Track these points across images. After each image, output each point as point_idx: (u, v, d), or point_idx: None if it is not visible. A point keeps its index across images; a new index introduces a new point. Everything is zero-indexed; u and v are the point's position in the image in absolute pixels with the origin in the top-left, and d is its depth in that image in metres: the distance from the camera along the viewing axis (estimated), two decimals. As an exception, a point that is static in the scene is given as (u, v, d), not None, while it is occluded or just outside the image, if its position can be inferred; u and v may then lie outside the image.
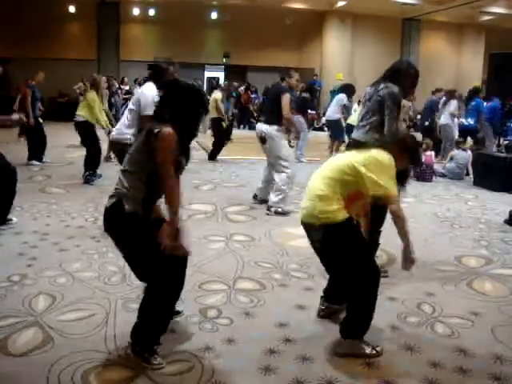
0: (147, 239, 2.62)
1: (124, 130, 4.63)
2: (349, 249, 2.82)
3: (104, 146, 7.80)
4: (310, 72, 19.69)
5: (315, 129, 17.05)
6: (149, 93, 4.37)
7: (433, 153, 8.93)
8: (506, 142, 9.03)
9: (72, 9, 18.44)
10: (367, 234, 3.14)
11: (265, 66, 19.45)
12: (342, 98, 10.42)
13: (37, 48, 17.24)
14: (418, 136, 9.93)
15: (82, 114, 7.38)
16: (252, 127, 14.51)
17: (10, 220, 5.08)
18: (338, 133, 10.54)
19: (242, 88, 17.45)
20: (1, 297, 3.41)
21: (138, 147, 2.66)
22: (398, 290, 3.74)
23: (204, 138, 10.59)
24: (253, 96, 17.62)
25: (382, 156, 2.86)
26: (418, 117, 14.14)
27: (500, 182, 7.73)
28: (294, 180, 6.05)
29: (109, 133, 7.90)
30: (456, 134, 10.25)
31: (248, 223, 5.54)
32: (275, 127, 5.88)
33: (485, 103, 10.65)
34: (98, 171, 7.39)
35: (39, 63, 15.67)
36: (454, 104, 10.14)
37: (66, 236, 4.80)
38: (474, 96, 10.33)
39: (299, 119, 9.86)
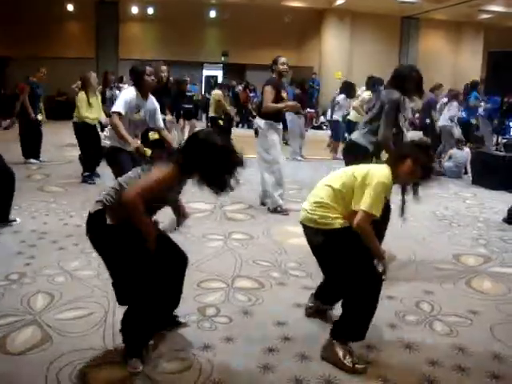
0: (123, 253, 2.57)
1: (111, 132, 4.65)
2: (347, 255, 2.77)
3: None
4: (308, 70, 19.69)
5: (314, 127, 17.06)
6: (123, 94, 4.51)
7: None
8: (505, 140, 9.02)
9: (71, 8, 18.42)
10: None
11: (263, 64, 19.34)
12: (339, 98, 10.50)
13: (36, 47, 17.21)
14: (419, 134, 9.97)
15: (74, 114, 7.46)
16: (250, 126, 14.52)
17: (14, 221, 5.05)
18: (337, 133, 10.59)
19: (240, 87, 17.43)
20: (-1, 295, 3.41)
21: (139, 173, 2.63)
22: (396, 289, 3.74)
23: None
24: (251, 95, 17.60)
25: (380, 174, 2.78)
26: (416, 115, 14.13)
27: (499, 180, 7.74)
28: (283, 176, 5.99)
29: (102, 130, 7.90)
30: (456, 134, 10.25)
31: (247, 221, 5.54)
32: (263, 121, 5.91)
33: (482, 103, 10.68)
34: (99, 171, 7.39)
35: (38, 62, 15.64)
36: (454, 107, 10.13)
37: (64, 235, 4.80)
38: (471, 90, 10.41)
39: (291, 117, 9.82)
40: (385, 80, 9.74)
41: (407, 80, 4.00)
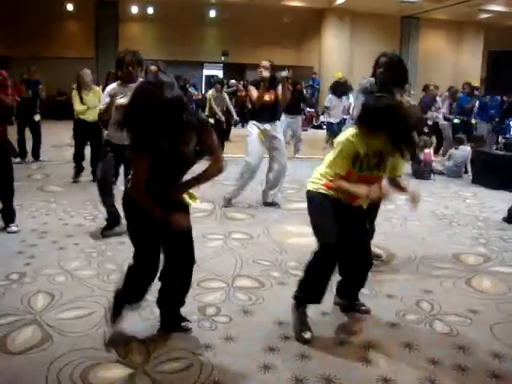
0: (133, 223, 2.75)
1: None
2: (314, 218, 3.00)
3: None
4: (308, 70, 19.69)
5: (314, 127, 17.06)
6: (106, 90, 4.70)
7: (431, 150, 8.93)
8: (505, 140, 9.02)
9: (70, 7, 18.41)
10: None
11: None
12: (327, 100, 10.61)
13: (36, 47, 17.21)
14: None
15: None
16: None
17: (14, 227, 4.84)
18: (333, 130, 10.64)
19: (234, 83, 17.29)
20: (-1, 295, 3.42)
21: None
22: (396, 288, 3.75)
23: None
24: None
25: (342, 134, 2.97)
26: None
27: (499, 179, 7.74)
28: (253, 175, 6.08)
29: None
30: (446, 131, 10.37)
31: (247, 221, 5.54)
32: (250, 121, 6.15)
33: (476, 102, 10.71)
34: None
35: (38, 62, 15.62)
36: (446, 106, 10.27)
37: (64, 234, 4.80)
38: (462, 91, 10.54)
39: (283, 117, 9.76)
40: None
41: (398, 68, 4.10)
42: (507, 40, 17.47)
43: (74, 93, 7.35)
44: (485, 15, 19.95)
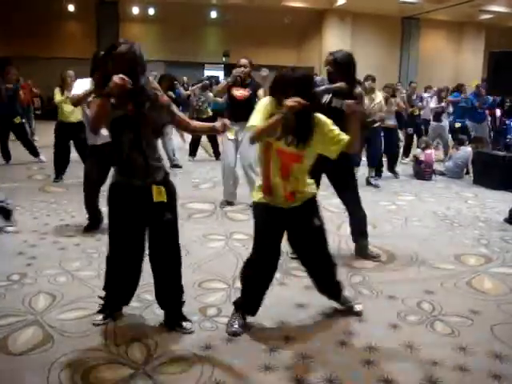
0: (117, 211, 2.93)
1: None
2: (254, 228, 3.02)
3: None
4: (309, 70, 19.68)
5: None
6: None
7: (433, 151, 8.92)
8: (506, 140, 9.01)
9: (71, 7, 18.45)
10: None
11: (264, 64, 19.41)
12: None
13: (36, 47, 17.26)
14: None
15: None
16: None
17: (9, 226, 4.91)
18: None
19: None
20: (1, 296, 3.42)
21: None
22: (397, 289, 3.74)
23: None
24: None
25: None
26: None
27: (500, 180, 7.73)
28: (231, 173, 6.11)
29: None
30: (433, 132, 10.43)
31: (247, 222, 5.51)
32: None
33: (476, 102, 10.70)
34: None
35: (38, 62, 15.66)
36: (432, 103, 10.34)
37: (65, 235, 4.80)
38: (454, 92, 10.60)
39: None
40: (385, 80, 9.81)
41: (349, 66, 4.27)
42: (508, 40, 17.47)
43: (57, 90, 7.39)
44: (486, 16, 19.96)
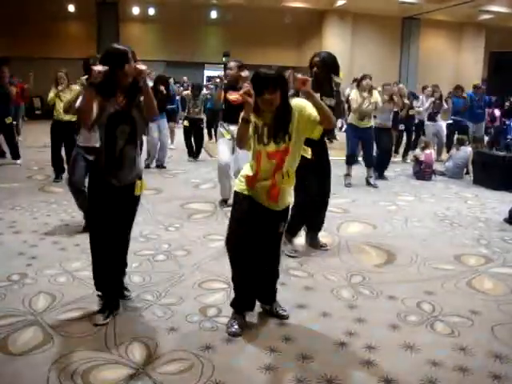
0: (97, 202, 3.09)
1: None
2: (230, 217, 3.05)
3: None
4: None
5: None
6: None
7: (432, 151, 8.93)
8: (508, 139, 9.03)
9: (71, 8, 18.45)
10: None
11: (264, 64, 19.40)
12: None
13: (36, 47, 17.25)
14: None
15: None
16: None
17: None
18: None
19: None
20: (1, 296, 3.41)
21: None
22: (397, 289, 3.74)
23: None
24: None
25: None
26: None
27: (499, 180, 7.74)
28: (226, 173, 6.06)
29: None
30: (429, 132, 10.45)
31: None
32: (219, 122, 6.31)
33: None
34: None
35: (38, 62, 15.67)
36: (426, 103, 10.39)
37: (65, 235, 4.80)
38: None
39: None
40: (386, 80, 9.81)
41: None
42: (509, 41, 17.48)
43: (51, 97, 7.37)
44: (486, 16, 19.95)
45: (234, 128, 5.62)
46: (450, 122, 10.66)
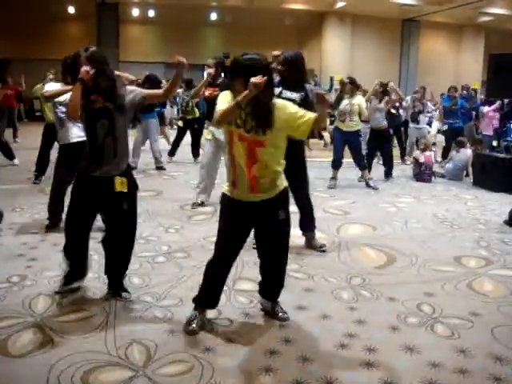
0: (78, 197, 3.26)
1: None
2: (219, 220, 3.17)
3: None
4: (309, 73, 19.69)
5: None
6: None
7: (432, 153, 8.93)
8: (505, 142, 9.02)
9: (71, 9, 18.48)
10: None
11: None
12: None
13: (36, 48, 17.27)
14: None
15: None
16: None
17: None
18: None
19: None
20: (0, 298, 3.41)
21: None
22: (397, 291, 3.74)
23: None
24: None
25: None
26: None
27: (499, 182, 7.74)
28: (208, 173, 6.17)
29: None
30: (412, 136, 10.49)
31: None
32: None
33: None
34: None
35: (38, 63, 15.67)
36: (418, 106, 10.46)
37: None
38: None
39: None
40: (386, 79, 9.82)
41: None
42: (508, 43, 17.49)
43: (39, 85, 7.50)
44: (485, 18, 19.99)
45: (212, 128, 5.86)
46: (445, 128, 10.57)
